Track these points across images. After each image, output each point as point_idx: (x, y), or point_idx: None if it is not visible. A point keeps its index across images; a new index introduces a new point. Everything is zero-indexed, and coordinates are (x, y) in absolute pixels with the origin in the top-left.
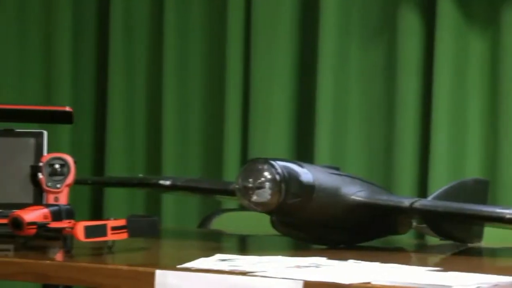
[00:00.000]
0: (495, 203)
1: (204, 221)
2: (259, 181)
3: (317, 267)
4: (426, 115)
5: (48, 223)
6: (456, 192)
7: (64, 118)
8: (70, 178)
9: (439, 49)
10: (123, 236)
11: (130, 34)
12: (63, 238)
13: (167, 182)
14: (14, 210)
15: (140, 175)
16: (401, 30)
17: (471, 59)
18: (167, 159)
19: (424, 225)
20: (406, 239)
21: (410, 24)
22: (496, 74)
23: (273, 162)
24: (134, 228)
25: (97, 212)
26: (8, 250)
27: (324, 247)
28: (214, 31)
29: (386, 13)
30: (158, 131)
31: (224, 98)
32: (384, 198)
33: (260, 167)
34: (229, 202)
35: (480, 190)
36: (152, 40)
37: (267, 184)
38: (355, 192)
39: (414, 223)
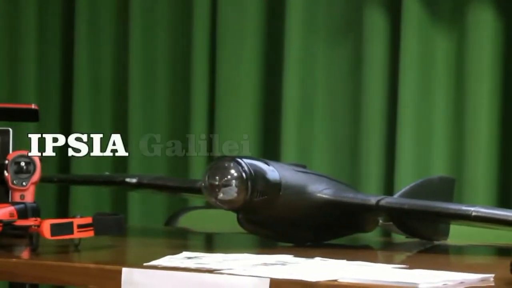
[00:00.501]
0: (460, 201)
1: (171, 219)
2: (226, 179)
3: (283, 264)
4: (392, 114)
5: (14, 221)
6: (422, 190)
7: (30, 115)
8: (36, 176)
9: (405, 48)
10: (90, 234)
11: (95, 29)
12: (29, 236)
13: (133, 180)
14: None
15: (107, 173)
16: (367, 29)
17: (436, 58)
18: (134, 157)
19: (390, 223)
20: (372, 236)
21: (375, 23)
22: (462, 73)
23: (239, 160)
24: (100, 226)
25: (63, 210)
26: None
27: (290, 244)
28: (180, 29)
29: (352, 12)
30: (124, 129)
31: (189, 95)
32: (350, 196)
33: (226, 165)
34: (195, 199)
35: (446, 188)
36: (117, 33)
37: (234, 182)
38: (321, 190)
39: (380, 221)
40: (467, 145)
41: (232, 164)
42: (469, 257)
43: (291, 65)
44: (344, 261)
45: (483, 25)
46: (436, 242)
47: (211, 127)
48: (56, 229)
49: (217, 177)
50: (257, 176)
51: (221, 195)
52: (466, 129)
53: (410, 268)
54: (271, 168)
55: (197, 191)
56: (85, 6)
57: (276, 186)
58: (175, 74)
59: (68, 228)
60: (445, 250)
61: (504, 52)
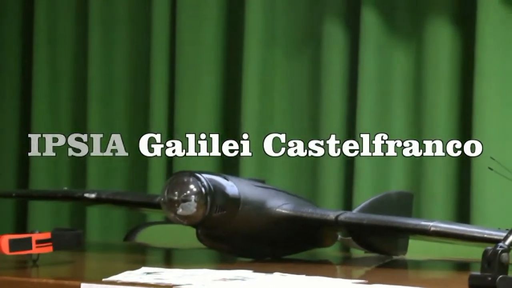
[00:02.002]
0: (419, 216)
1: (130, 234)
2: (185, 194)
3: (243, 280)
4: (351, 127)
5: None
6: (380, 205)
7: None
8: None
9: (363, 61)
10: (48, 249)
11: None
12: None
13: (92, 195)
14: None
15: (65, 188)
16: (326, 41)
17: (395, 72)
18: (92, 172)
19: (349, 238)
20: (331, 251)
21: (334, 36)
22: (420, 86)
23: (198, 175)
24: (59, 241)
25: (21, 225)
26: None
27: (250, 260)
28: (139, 23)
29: (311, 24)
30: (82, 126)
31: (149, 105)
32: (309, 211)
33: (185, 180)
34: (154, 215)
35: (404, 203)
36: (76, 34)
37: (193, 197)
38: (280, 205)
39: (339, 236)
40: (425, 160)
41: (191, 179)
42: (428, 272)
43: (250, 77)
44: (304, 276)
45: (441, 39)
46: (394, 257)
47: (170, 127)
48: (14, 245)
49: (176, 192)
50: (217, 191)
51: (180, 210)
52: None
53: (369, 283)
54: (230, 183)
55: (156, 206)
56: (44, 4)
57: (235, 201)
58: (135, 73)
59: (26, 244)
60: (403, 265)
61: (462, 66)
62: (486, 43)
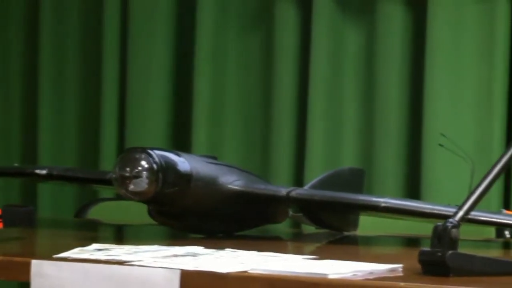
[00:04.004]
0: (370, 192)
1: (81, 211)
2: (136, 170)
3: (194, 256)
4: (303, 105)
5: None
6: (332, 181)
7: None
8: None
9: (316, 40)
10: None
11: (4, 35)
12: None
13: (43, 172)
14: None
15: (16, 164)
16: (278, 21)
17: (347, 50)
18: (43, 149)
19: (301, 214)
20: (283, 227)
21: (287, 15)
22: (372, 65)
23: (150, 151)
24: (9, 218)
25: None
26: None
27: (201, 236)
28: (90, 20)
29: (263, 3)
30: (33, 123)
31: (100, 85)
32: (261, 187)
33: (137, 156)
34: (106, 191)
35: (355, 179)
36: (27, 38)
37: (144, 174)
38: (232, 181)
39: (291, 212)
40: (376, 136)
41: (143, 156)
42: (378, 247)
43: (203, 56)
44: (255, 252)
45: (393, 18)
46: (345, 233)
47: (121, 121)
48: None
49: (127, 169)
50: (168, 168)
51: (131, 187)
52: (376, 121)
53: (320, 258)
54: (182, 159)
55: (108, 182)
56: None
57: (187, 178)
58: (86, 72)
59: None
60: (354, 241)
61: (413, 44)
62: (437, 21)
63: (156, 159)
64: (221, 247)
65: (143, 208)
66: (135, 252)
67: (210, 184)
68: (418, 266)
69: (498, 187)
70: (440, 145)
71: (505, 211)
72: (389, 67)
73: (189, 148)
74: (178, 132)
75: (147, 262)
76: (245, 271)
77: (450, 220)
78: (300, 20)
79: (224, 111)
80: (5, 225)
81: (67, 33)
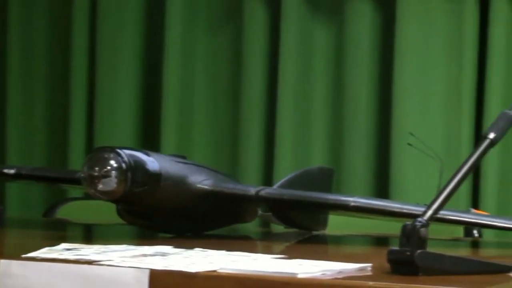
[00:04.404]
0: (339, 191)
1: (49, 210)
2: (105, 169)
3: (163, 255)
4: (272, 104)
5: None
6: (301, 181)
7: None
8: None
9: (284, 40)
10: None
11: None
12: None
13: (12, 171)
14: None
15: None
16: (247, 19)
17: (316, 49)
18: (12, 148)
19: (270, 213)
20: (252, 227)
21: (256, 13)
22: (341, 65)
23: (119, 151)
24: None
25: None
26: None
27: (170, 235)
28: (58, 19)
29: (232, 3)
30: (2, 122)
31: (69, 85)
32: (230, 187)
33: (106, 155)
34: (74, 190)
35: (325, 178)
36: None
37: (113, 173)
38: (201, 180)
39: (260, 211)
40: (345, 136)
41: (111, 155)
42: (347, 247)
43: (172, 56)
44: (224, 251)
45: (361, 17)
46: (314, 232)
47: (90, 121)
48: None
49: (96, 168)
50: (137, 167)
51: (100, 186)
52: (345, 120)
53: (289, 258)
54: (151, 158)
55: (76, 182)
56: None
57: (156, 177)
58: (54, 71)
59: None
60: (323, 240)
61: (382, 42)
62: (406, 21)
63: (125, 159)
64: (190, 247)
65: (112, 207)
66: (104, 251)
67: (179, 183)
68: (387, 265)
69: (466, 186)
70: (409, 144)
71: (473, 210)
72: (358, 67)
73: (158, 147)
74: (147, 132)
75: (116, 261)
76: (214, 271)
77: (419, 219)
78: (269, 19)
79: (193, 111)
80: None
81: (35, 32)
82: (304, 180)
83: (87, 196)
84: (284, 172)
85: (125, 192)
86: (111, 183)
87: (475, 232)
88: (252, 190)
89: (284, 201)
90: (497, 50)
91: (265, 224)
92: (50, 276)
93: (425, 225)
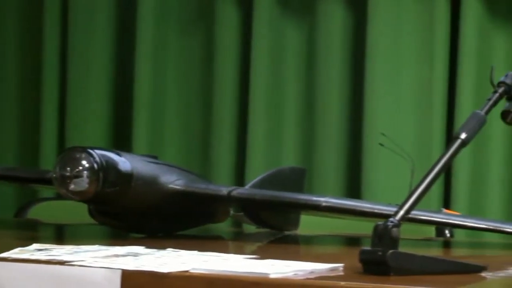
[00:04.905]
0: (311, 191)
1: (21, 211)
2: (77, 170)
3: (135, 256)
4: (244, 104)
5: None
6: (273, 181)
7: None
8: None
9: (256, 40)
10: None
11: None
12: None
13: None
14: None
15: None
16: (219, 20)
17: (287, 49)
18: None
19: (242, 214)
20: (224, 227)
21: (227, 14)
22: (312, 65)
23: (91, 151)
24: None
25: None
26: None
27: (142, 236)
28: (30, 18)
29: (204, 3)
30: None
31: (40, 84)
32: (202, 187)
33: (78, 155)
34: (46, 191)
35: (297, 178)
36: None
37: (85, 173)
38: (173, 180)
39: (232, 211)
40: (317, 136)
41: (83, 155)
42: (319, 247)
43: (143, 56)
44: (196, 252)
45: (333, 17)
46: (286, 233)
47: (62, 121)
48: None
49: (68, 168)
50: (109, 167)
51: (72, 186)
52: (317, 120)
53: (261, 258)
54: (122, 159)
55: (48, 182)
56: None
57: (127, 177)
58: (25, 71)
59: None
60: (295, 240)
61: (354, 43)
62: (377, 21)
63: (97, 159)
64: (162, 247)
65: (83, 207)
66: (76, 252)
67: (151, 183)
68: (359, 265)
69: (438, 186)
70: (381, 144)
71: (445, 210)
72: (329, 67)
73: (129, 148)
74: (119, 132)
75: (88, 262)
76: (186, 271)
77: (391, 219)
78: (241, 20)
79: (165, 111)
80: None
81: (6, 33)
82: (276, 180)
83: (59, 196)
84: (256, 172)
85: (96, 192)
86: (82, 183)
87: (446, 232)
88: (224, 190)
89: (256, 201)
90: (468, 50)
91: (237, 224)
92: (22, 277)
93: (397, 225)
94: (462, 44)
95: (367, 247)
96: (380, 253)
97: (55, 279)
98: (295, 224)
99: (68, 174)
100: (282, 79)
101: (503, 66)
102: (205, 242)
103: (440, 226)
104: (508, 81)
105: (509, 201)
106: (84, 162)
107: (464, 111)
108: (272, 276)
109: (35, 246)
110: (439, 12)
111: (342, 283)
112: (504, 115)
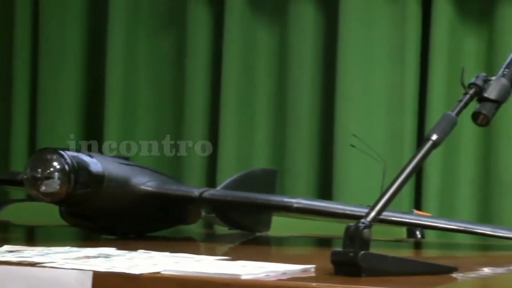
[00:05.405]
0: (282, 193)
1: None
2: (48, 171)
3: (106, 257)
4: (215, 105)
5: None
6: (244, 182)
7: None
8: None
9: (227, 40)
10: None
11: None
12: None
13: None
14: None
15: None
16: (190, 21)
17: (259, 50)
18: None
19: (213, 215)
20: (195, 228)
21: (199, 15)
22: (284, 65)
23: (62, 152)
24: None
25: None
26: None
27: (113, 237)
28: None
29: (175, 3)
30: None
31: (11, 83)
32: (173, 188)
33: (49, 157)
34: (17, 192)
35: (268, 180)
36: None
37: (56, 174)
38: (144, 182)
39: (204, 213)
40: (288, 137)
41: (54, 156)
42: (291, 248)
43: (115, 56)
44: (167, 253)
45: (304, 18)
46: (258, 234)
47: (33, 121)
48: None
49: (39, 170)
50: (80, 168)
51: (43, 188)
52: (288, 121)
53: (233, 259)
54: (94, 160)
55: (19, 183)
56: None
57: (99, 179)
58: None
59: None
60: (267, 242)
61: (325, 45)
62: (348, 22)
63: (68, 160)
64: (133, 248)
65: (55, 209)
66: (47, 253)
67: (123, 185)
68: (330, 266)
69: (409, 187)
70: (352, 145)
71: (416, 211)
72: (301, 67)
73: (100, 150)
74: (90, 133)
75: (59, 263)
76: (158, 272)
77: (362, 220)
78: (212, 20)
79: (136, 112)
80: None
81: None
82: (247, 181)
83: (30, 198)
84: (228, 174)
85: (68, 194)
86: (54, 185)
87: (417, 233)
88: (195, 192)
89: (227, 202)
90: (439, 51)
91: (209, 225)
92: None
93: (368, 226)
94: (433, 45)
95: (339, 248)
96: (351, 254)
97: (26, 280)
98: (267, 225)
99: (39, 175)
100: (253, 80)
101: (473, 67)
102: (177, 243)
103: (411, 227)
104: (478, 82)
105: (480, 202)
106: (55, 164)
107: (435, 112)
108: (243, 277)
109: (5, 247)
110: (410, 12)
111: (314, 284)
112: (475, 116)
